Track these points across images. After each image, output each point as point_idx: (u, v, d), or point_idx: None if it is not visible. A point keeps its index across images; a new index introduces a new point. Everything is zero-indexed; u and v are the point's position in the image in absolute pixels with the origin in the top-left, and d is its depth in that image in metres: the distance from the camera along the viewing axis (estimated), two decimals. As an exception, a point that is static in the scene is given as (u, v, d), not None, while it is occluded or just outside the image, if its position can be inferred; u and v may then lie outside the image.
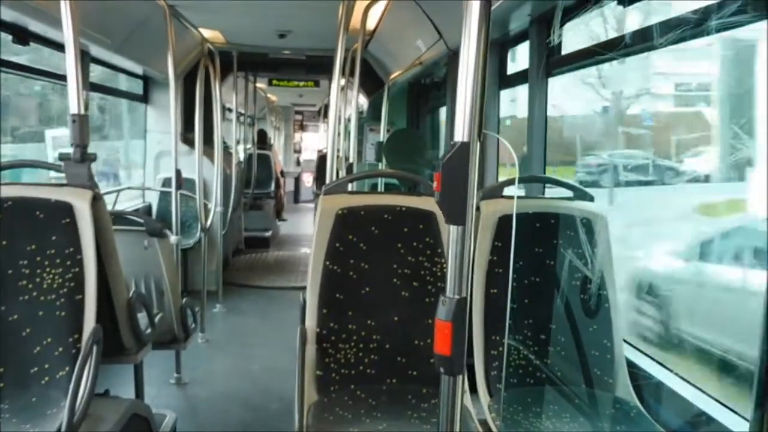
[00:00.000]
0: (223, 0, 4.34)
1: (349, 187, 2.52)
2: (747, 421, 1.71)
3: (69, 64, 2.20)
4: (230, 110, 8.03)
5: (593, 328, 2.32)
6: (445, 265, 2.32)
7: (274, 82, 7.88)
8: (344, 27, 3.09)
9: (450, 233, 1.15)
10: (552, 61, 3.11)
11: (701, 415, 2.03)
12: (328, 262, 2.27)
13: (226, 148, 6.75)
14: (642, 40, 2.31)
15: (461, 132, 1.12)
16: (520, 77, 3.46)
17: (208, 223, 5.03)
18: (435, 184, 1.14)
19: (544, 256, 2.37)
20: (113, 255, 2.32)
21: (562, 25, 3.01)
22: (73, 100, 2.19)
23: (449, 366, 1.16)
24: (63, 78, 3.98)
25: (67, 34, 2.19)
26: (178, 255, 4.03)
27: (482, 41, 1.10)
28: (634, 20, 2.51)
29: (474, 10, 1.10)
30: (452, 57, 4.10)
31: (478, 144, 1.12)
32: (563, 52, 3.04)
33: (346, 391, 2.20)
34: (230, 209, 6.12)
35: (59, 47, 3.87)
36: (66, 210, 2.12)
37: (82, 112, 2.20)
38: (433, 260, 2.32)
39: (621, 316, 2.32)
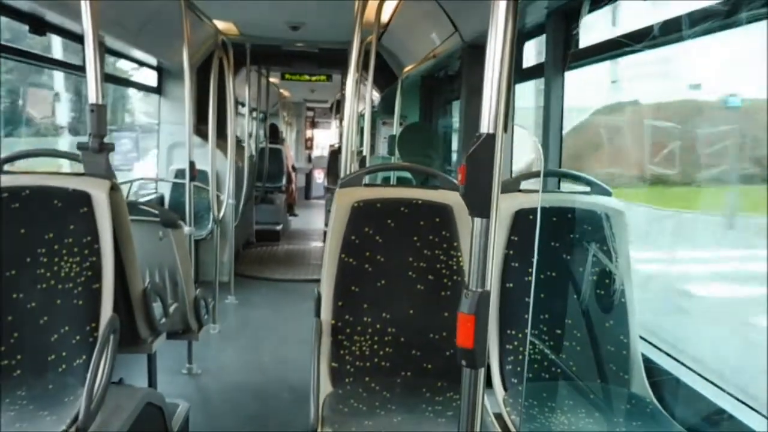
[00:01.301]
0: None
1: (365, 180, 2.52)
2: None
3: (88, 55, 2.20)
4: (242, 104, 8.04)
5: (609, 324, 2.31)
6: (461, 259, 2.31)
7: (287, 76, 7.87)
8: (360, 20, 3.08)
9: (474, 226, 1.14)
10: (569, 54, 3.08)
11: (720, 413, 2.01)
12: (343, 255, 2.27)
13: (238, 142, 6.77)
14: (666, 32, 2.27)
15: (487, 123, 1.11)
16: (536, 71, 3.44)
17: (221, 214, 5.04)
18: (459, 177, 1.13)
19: (561, 251, 2.36)
20: (129, 245, 2.33)
21: (581, 17, 2.99)
22: (92, 90, 2.19)
23: (471, 359, 1.15)
24: (76, 68, 4.03)
25: (86, 26, 2.19)
26: (191, 246, 4.05)
27: (509, 32, 1.09)
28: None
29: (501, 1, 1.09)
30: (467, 50, 4.07)
31: (504, 136, 1.11)
32: (581, 46, 3.02)
33: (360, 384, 2.20)
34: (242, 202, 6.13)
35: (75, 38, 3.89)
36: (84, 199, 2.13)
37: (100, 102, 2.20)
38: (449, 254, 2.31)
39: (637, 312, 2.31)
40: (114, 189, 2.19)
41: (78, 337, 2.06)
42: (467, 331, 1.13)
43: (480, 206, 1.12)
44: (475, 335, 1.13)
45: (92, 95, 2.19)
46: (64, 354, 2.05)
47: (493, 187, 1.11)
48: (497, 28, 1.09)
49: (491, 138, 1.10)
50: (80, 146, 2.21)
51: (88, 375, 1.86)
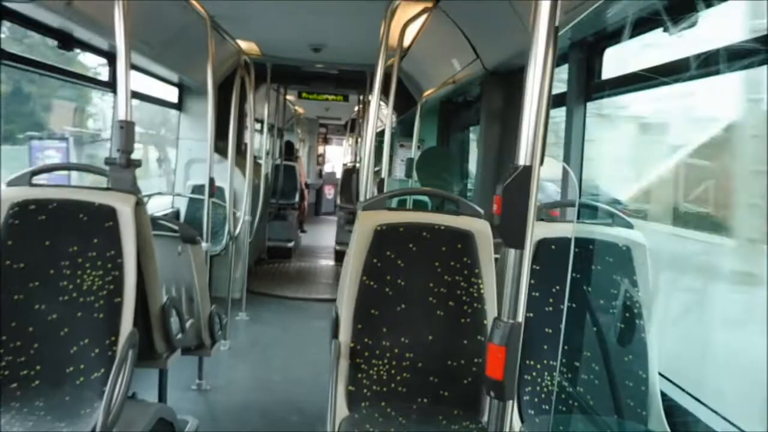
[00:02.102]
0: (261, 13, 4.40)
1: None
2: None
3: (119, 72, 2.25)
4: (260, 121, 8.11)
5: (628, 358, 2.28)
6: (481, 286, 2.30)
7: (304, 95, 7.95)
8: (385, 43, 3.11)
9: (507, 256, 1.14)
10: (591, 85, 3.10)
11: None
12: (364, 278, 2.27)
13: (255, 159, 6.81)
14: (684, 69, 2.29)
15: (523, 155, 1.11)
16: (558, 100, 3.45)
17: (237, 231, 5.06)
18: (495, 207, 1.13)
19: (581, 282, 2.34)
20: (151, 260, 2.34)
21: (604, 50, 3.01)
22: (122, 107, 2.23)
23: (500, 391, 1.15)
24: (104, 84, 4.08)
25: (119, 43, 2.24)
26: (208, 262, 4.06)
27: (549, 63, 1.11)
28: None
29: (542, 30, 1.11)
30: (488, 77, 4.10)
31: (540, 168, 1.12)
32: (603, 77, 3.04)
33: (376, 408, 2.19)
34: (257, 218, 6.16)
35: (101, 54, 3.96)
36: (109, 213, 2.15)
37: (130, 119, 2.23)
38: (470, 280, 2.31)
39: (656, 347, 2.28)
40: (139, 204, 2.21)
41: (97, 350, 2.07)
42: (497, 362, 1.13)
43: (515, 237, 1.13)
44: (506, 367, 1.13)
45: (122, 112, 2.22)
46: (82, 366, 2.06)
47: (528, 218, 1.11)
48: (537, 60, 1.11)
49: (528, 170, 1.11)
50: (108, 161, 2.24)
51: (107, 389, 1.86)
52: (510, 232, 1.13)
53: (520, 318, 1.13)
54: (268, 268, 7.63)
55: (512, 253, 1.13)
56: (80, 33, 3.51)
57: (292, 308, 5.99)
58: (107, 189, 2.23)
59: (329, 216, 13.37)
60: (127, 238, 2.14)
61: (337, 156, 17.06)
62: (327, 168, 16.83)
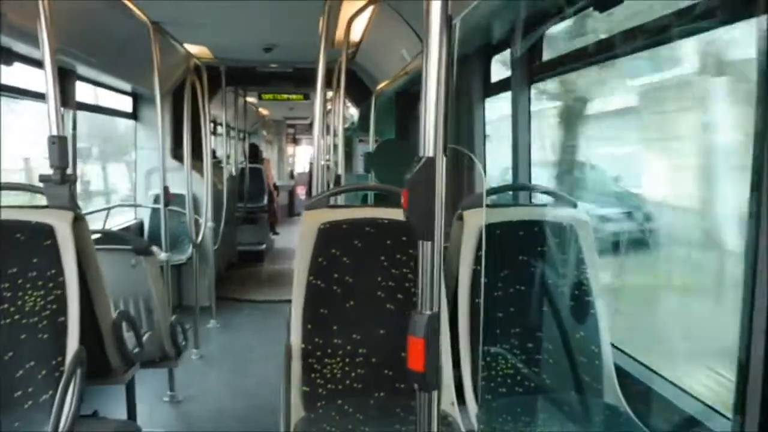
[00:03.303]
0: (208, 16, 4.35)
1: (337, 200, 2.52)
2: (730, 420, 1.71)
3: (48, 83, 2.19)
4: (221, 125, 8.03)
5: (580, 335, 2.32)
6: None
7: (264, 96, 7.89)
8: (326, 39, 3.10)
9: (419, 249, 1.14)
10: (534, 68, 3.12)
11: (691, 420, 2.03)
12: (311, 278, 2.26)
13: (217, 163, 6.74)
14: (623, 44, 2.32)
15: (427, 147, 1.11)
16: (504, 85, 3.48)
17: (199, 238, 5.01)
18: (402, 200, 1.13)
19: (530, 264, 2.37)
20: (97, 275, 2.31)
21: (542, 31, 3.03)
22: (52, 121, 2.18)
23: (424, 382, 1.15)
24: (36, 95, 4.01)
25: (44, 51, 2.19)
26: (168, 272, 4.02)
27: (444, 53, 1.10)
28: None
29: (434, 20, 1.10)
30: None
31: (445, 158, 1.12)
32: (545, 59, 3.06)
33: (333, 406, 2.19)
34: (222, 224, 6.10)
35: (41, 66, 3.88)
36: (47, 232, 2.11)
37: (61, 133, 2.19)
38: (417, 272, 2.31)
39: (607, 321, 2.32)
40: (78, 219, 2.17)
41: (44, 372, 2.03)
42: (417, 354, 1.13)
43: (424, 229, 1.13)
44: (426, 358, 1.13)
45: (53, 126, 2.18)
46: (30, 390, 2.02)
47: (435, 209, 1.11)
48: (431, 52, 1.10)
49: (431, 161, 1.11)
50: (42, 178, 2.19)
51: (53, 410, 1.84)
52: (419, 224, 1.13)
53: (435, 308, 1.14)
54: (239, 272, 7.58)
55: (423, 244, 1.14)
56: (20, 47, 3.43)
57: (264, 312, 5.96)
58: (44, 207, 2.19)
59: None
60: (67, 255, 2.10)
61: (307, 156, 16.97)
62: (298, 168, 16.74)
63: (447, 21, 1.10)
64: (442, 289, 1.17)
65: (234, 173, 8.06)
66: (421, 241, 1.14)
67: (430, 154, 1.11)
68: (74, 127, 4.28)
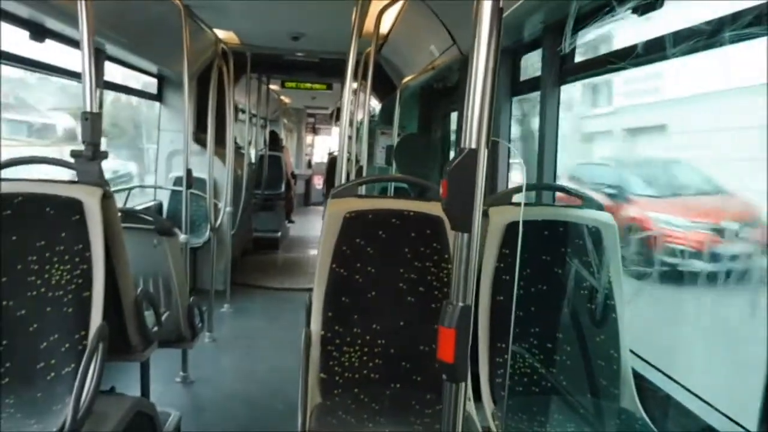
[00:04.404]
0: (238, 1, 4.36)
1: (359, 190, 2.52)
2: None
3: (84, 61, 2.21)
4: (243, 111, 8.06)
5: (600, 338, 2.31)
6: (452, 271, 2.31)
7: (287, 84, 7.90)
8: (357, 30, 3.09)
9: (456, 240, 1.14)
10: (565, 69, 3.10)
11: (708, 429, 2.01)
12: (334, 266, 2.27)
13: (238, 149, 6.77)
14: (656, 50, 2.29)
15: (470, 139, 1.11)
16: (533, 84, 3.45)
17: (218, 222, 5.05)
18: (441, 191, 1.13)
19: (552, 265, 2.36)
20: (121, 253, 2.33)
21: (575, 32, 3.00)
22: (87, 98, 2.20)
23: (452, 373, 1.15)
24: (71, 74, 4.05)
25: (82, 32, 2.20)
26: (187, 254, 4.05)
27: (493, 46, 1.10)
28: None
29: (485, 13, 1.09)
30: (465, 62, 4.09)
31: (486, 151, 1.12)
32: (576, 60, 3.03)
33: (349, 395, 2.20)
34: (240, 209, 6.14)
35: (75, 44, 3.92)
36: (76, 207, 2.13)
37: (95, 110, 2.21)
38: (440, 266, 2.31)
39: (627, 327, 2.30)
40: (106, 196, 2.19)
41: (67, 345, 2.06)
42: (448, 345, 1.13)
43: (462, 221, 1.13)
44: (456, 349, 1.13)
45: (87, 103, 2.20)
46: (53, 362, 2.05)
47: (475, 201, 1.11)
48: (481, 42, 1.10)
49: (473, 153, 1.11)
50: (74, 154, 2.21)
51: (76, 383, 1.86)
52: (456, 216, 1.13)
53: (469, 300, 1.14)
54: (254, 259, 7.62)
55: (460, 236, 1.13)
56: (52, 24, 3.47)
57: (277, 299, 6.00)
58: (74, 182, 2.22)
59: (319, 206, 13.34)
60: (95, 231, 2.12)
61: (325, 146, 17.01)
62: (316, 158, 16.78)
63: (498, 13, 1.10)
64: (475, 281, 1.17)
65: (253, 160, 8.09)
66: (457, 232, 1.14)
67: (473, 145, 1.11)
68: (100, 106, 4.33)
